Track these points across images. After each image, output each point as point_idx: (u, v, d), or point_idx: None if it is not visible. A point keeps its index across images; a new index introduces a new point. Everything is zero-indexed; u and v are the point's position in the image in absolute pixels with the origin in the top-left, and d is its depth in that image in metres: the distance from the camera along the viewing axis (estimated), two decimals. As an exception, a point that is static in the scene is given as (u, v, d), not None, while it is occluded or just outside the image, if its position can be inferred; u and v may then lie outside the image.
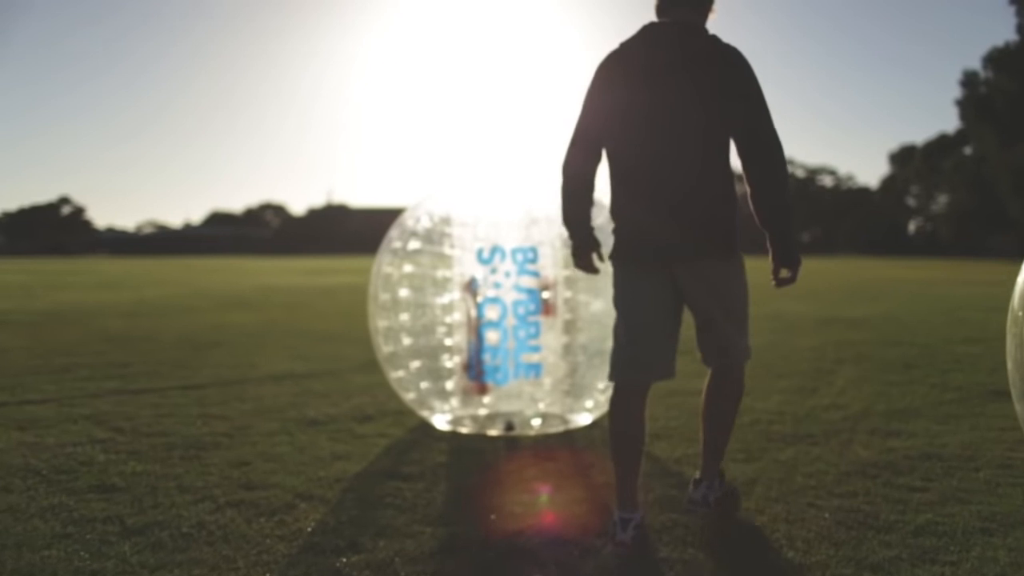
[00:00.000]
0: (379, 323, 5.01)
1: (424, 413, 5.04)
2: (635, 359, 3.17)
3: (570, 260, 5.08)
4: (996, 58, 53.53)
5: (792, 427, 4.97)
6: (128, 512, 3.44)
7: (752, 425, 5.01)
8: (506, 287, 4.68)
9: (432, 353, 4.95)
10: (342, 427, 5.04)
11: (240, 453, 4.40)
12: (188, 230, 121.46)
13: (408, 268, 4.96)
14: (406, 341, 4.93)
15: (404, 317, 4.94)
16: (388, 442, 4.69)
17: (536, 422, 4.90)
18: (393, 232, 5.11)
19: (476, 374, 4.73)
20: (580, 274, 4.98)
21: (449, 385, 4.95)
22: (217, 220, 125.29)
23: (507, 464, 4.24)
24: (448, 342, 4.98)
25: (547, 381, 4.89)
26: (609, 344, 5.13)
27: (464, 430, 4.91)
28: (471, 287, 4.75)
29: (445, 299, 4.88)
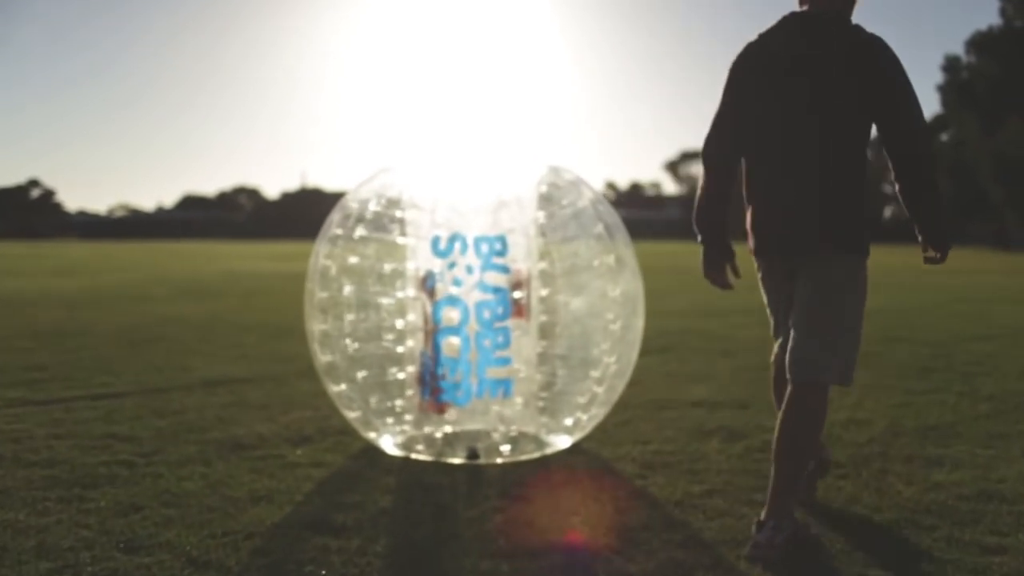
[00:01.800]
0: (316, 327, 4.14)
1: (371, 435, 4.18)
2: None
3: (548, 251, 4.27)
4: (979, 42, 52.94)
5: (812, 452, 4.15)
6: (-47, 592, 2.57)
7: (766, 450, 4.19)
8: (468, 285, 3.81)
9: (379, 363, 4.08)
10: (272, 452, 4.17)
11: (136, 492, 3.53)
12: (160, 213, 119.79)
13: (351, 260, 4.08)
14: (348, 349, 4.06)
15: (347, 319, 4.06)
16: (324, 474, 3.83)
17: (505, 448, 4.04)
18: (333, 216, 4.23)
19: (431, 392, 3.87)
20: (559, 268, 4.16)
21: (400, 402, 4.09)
22: (190, 204, 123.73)
23: (467, 508, 3.38)
24: (399, 349, 4.12)
25: (519, 400, 4.04)
26: (592, 351, 4.32)
27: (418, 456, 4.06)
28: (426, 285, 3.89)
29: (394, 298, 4.02)
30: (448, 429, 4.27)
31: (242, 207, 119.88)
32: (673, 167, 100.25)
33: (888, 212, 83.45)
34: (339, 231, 4.14)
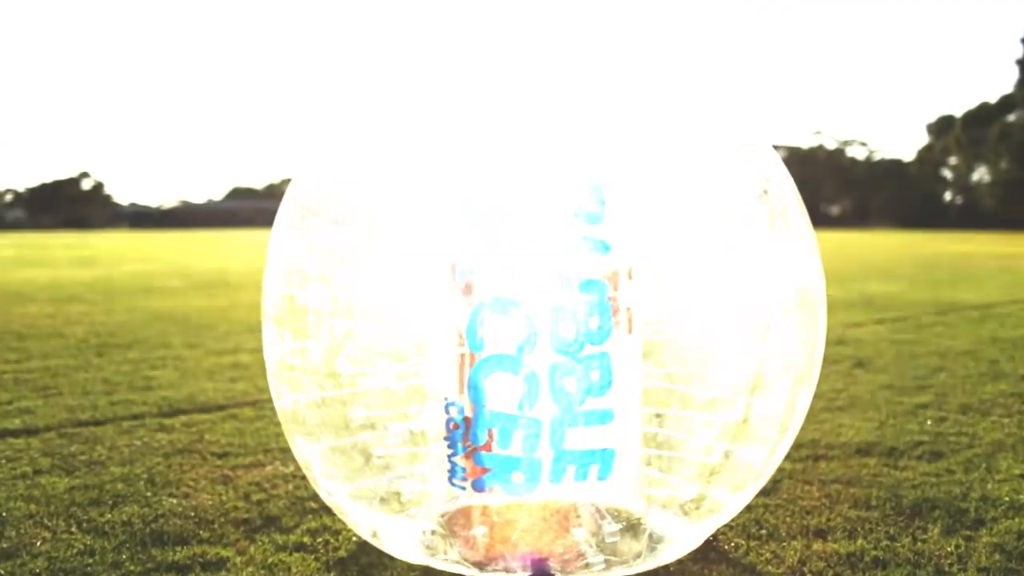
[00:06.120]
0: (272, 348, 2.45)
1: (364, 526, 2.49)
2: None
3: (664, 215, 2.53)
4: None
5: None
6: None
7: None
8: (534, 275, 2.07)
9: (376, 410, 2.38)
10: (204, 551, 2.51)
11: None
12: (209, 204, 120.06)
13: (328, 238, 2.38)
14: (325, 386, 2.36)
15: (322, 336, 2.37)
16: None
17: (596, 561, 2.31)
18: (304, 174, 2.55)
19: (468, 473, 2.14)
20: (684, 246, 2.44)
21: (412, 482, 2.38)
22: (238, 195, 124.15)
23: None
24: (414, 382, 2.42)
25: (621, 477, 2.30)
26: (739, 385, 2.58)
27: (445, 566, 2.36)
28: (457, 276, 2.17)
29: (400, 298, 2.30)
30: (494, 511, 2.55)
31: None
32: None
33: (948, 196, 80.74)
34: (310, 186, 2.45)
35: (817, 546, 2.57)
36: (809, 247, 2.53)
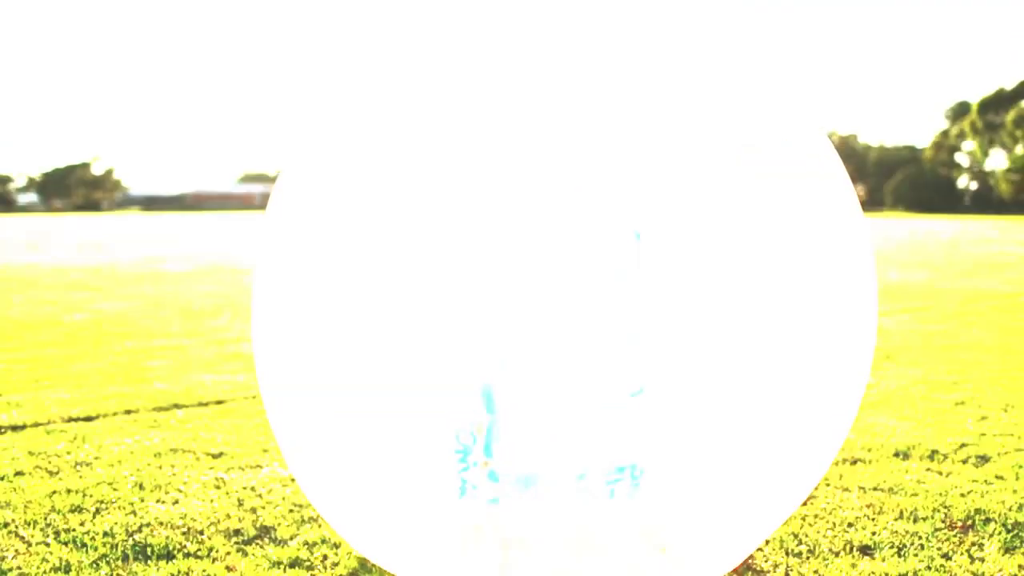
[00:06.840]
0: (260, 324, 2.21)
1: (365, 540, 2.26)
2: None
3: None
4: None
5: None
6: None
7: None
8: (553, 268, 1.83)
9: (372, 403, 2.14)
10: (189, 569, 2.29)
11: None
12: (220, 189, 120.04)
13: (324, 231, 2.13)
14: (322, 387, 2.12)
15: (316, 333, 2.13)
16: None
17: (623, 584, 2.07)
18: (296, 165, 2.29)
19: (480, 490, 1.90)
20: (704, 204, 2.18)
21: (418, 495, 2.14)
22: (250, 180, 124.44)
23: None
24: (420, 384, 2.18)
25: (650, 492, 2.05)
26: (769, 369, 2.30)
27: (455, 588, 2.13)
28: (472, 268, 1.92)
29: (405, 296, 2.06)
30: (509, 529, 2.31)
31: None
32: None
33: (962, 181, 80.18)
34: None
35: (864, 565, 2.33)
36: (860, 243, 2.28)
